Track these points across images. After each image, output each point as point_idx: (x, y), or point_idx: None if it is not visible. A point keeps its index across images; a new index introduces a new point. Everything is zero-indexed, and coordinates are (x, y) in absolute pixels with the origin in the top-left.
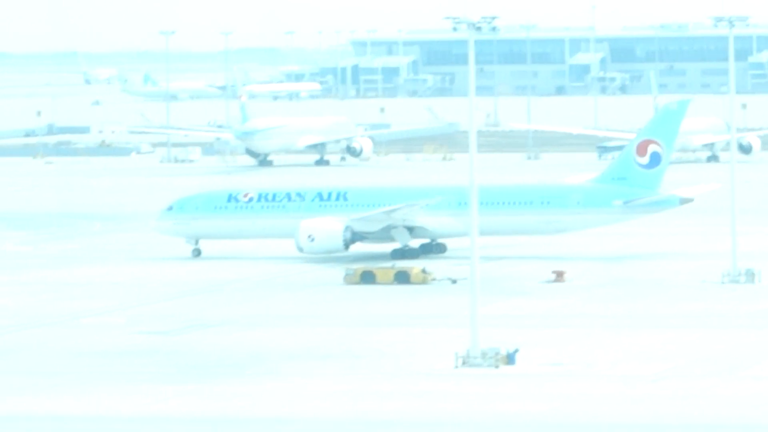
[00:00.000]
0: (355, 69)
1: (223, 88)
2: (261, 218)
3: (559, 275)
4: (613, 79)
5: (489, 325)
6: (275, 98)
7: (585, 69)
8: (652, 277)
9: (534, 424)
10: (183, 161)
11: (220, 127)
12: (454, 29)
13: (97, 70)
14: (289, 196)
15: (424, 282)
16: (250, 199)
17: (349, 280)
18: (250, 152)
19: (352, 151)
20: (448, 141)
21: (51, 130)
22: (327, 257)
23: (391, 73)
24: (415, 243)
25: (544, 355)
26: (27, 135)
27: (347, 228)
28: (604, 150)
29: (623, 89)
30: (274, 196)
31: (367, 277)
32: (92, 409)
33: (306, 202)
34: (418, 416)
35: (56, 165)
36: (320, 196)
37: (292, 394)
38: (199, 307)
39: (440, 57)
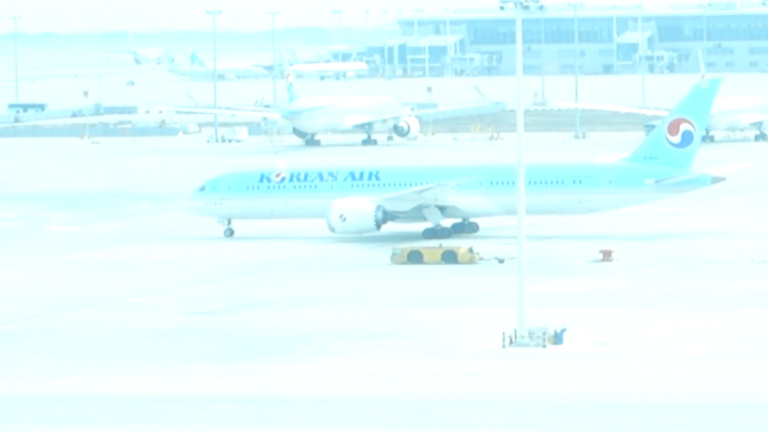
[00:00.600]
0: (402, 48)
1: (269, 67)
2: (293, 198)
3: (607, 254)
4: (660, 58)
5: (536, 305)
6: (322, 78)
7: (632, 47)
8: (699, 256)
9: (582, 404)
10: (230, 141)
11: (267, 106)
12: (501, 8)
13: (146, 50)
14: (321, 176)
15: (471, 262)
16: (282, 179)
17: (396, 259)
18: (297, 132)
19: (399, 131)
20: (496, 120)
21: (98, 111)
22: (361, 237)
23: (438, 52)
24: (447, 222)
25: (591, 334)
26: (74, 115)
27: (379, 208)
28: (652, 129)
29: (671, 68)
30: (306, 175)
31: (415, 257)
32: (141, 389)
33: (338, 182)
34: (465, 396)
35: (103, 145)
36: (352, 175)
37: (340, 374)
38: (246, 287)
39: (487, 36)
